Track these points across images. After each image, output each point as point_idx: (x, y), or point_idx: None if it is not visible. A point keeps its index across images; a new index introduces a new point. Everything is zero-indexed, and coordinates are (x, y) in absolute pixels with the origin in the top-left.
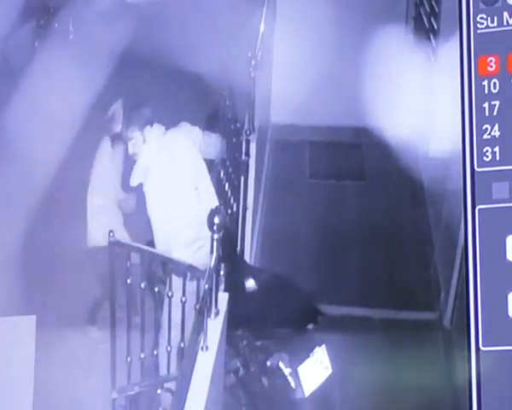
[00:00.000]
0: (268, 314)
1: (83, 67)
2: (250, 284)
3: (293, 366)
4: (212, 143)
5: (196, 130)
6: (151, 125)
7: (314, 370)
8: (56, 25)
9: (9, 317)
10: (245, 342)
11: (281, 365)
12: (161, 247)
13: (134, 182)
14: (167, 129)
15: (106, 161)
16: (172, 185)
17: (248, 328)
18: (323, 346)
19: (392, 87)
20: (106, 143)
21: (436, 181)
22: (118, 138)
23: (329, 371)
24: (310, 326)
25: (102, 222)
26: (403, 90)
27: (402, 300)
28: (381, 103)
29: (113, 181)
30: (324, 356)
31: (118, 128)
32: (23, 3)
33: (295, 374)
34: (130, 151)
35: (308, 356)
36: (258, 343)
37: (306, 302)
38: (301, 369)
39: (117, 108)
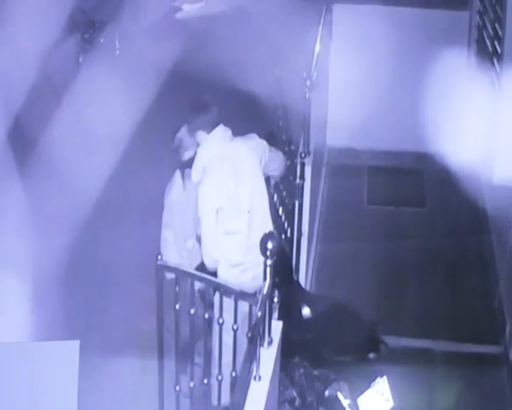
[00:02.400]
0: (327, 342)
1: (129, 83)
2: (306, 310)
3: (353, 396)
4: (278, 160)
5: (264, 143)
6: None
7: (374, 402)
8: (102, 40)
9: (52, 341)
10: (301, 371)
11: (339, 395)
12: (208, 258)
13: (194, 178)
14: (234, 135)
15: (176, 193)
16: (228, 199)
17: (305, 356)
18: (385, 377)
19: (454, 112)
20: (176, 174)
21: (501, 209)
22: (189, 167)
23: (391, 403)
24: (371, 356)
25: (173, 253)
26: (465, 115)
27: (464, 332)
28: (442, 128)
29: (185, 214)
30: (386, 388)
31: (187, 156)
32: (67, 17)
33: (355, 405)
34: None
35: (369, 387)
36: (316, 372)
37: (368, 330)
38: (361, 400)
39: (183, 134)
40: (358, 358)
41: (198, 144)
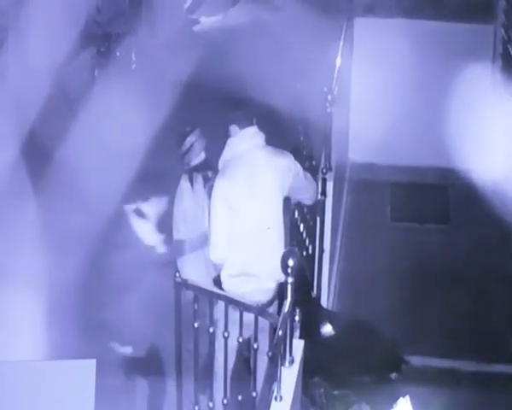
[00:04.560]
0: (347, 361)
1: (145, 97)
2: (327, 329)
3: None
4: (311, 189)
5: (298, 167)
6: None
7: None
8: (118, 53)
9: (68, 360)
10: (322, 391)
11: None
12: (214, 254)
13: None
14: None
15: (187, 201)
16: (237, 202)
17: (325, 376)
18: (407, 397)
19: (479, 126)
20: (184, 181)
21: None
22: (197, 171)
23: None
24: (393, 375)
25: (189, 259)
26: (490, 130)
27: (491, 352)
28: (467, 143)
29: (196, 218)
30: (409, 408)
31: (197, 161)
32: (83, 30)
33: None
34: None
35: (391, 407)
36: (336, 392)
37: (389, 349)
38: None
39: (195, 137)
40: (379, 378)
41: (229, 136)
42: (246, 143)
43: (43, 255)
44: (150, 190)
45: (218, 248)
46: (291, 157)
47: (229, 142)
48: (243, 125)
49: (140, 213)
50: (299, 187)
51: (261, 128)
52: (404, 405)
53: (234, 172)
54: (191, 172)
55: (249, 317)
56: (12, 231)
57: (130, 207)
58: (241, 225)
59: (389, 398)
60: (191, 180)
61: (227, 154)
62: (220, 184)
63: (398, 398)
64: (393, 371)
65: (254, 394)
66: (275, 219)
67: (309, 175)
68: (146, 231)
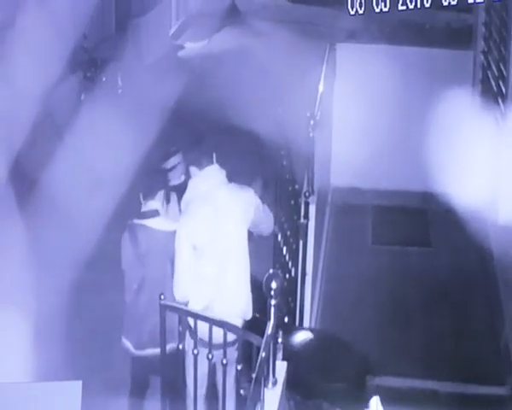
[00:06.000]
0: (320, 370)
1: (131, 121)
2: (297, 339)
3: None
4: (268, 221)
5: (258, 202)
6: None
7: None
8: (104, 78)
9: (54, 382)
10: (291, 403)
11: None
12: (178, 293)
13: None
14: (232, 177)
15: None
16: (202, 241)
17: (297, 387)
18: (377, 397)
19: (459, 151)
20: (158, 198)
21: (506, 249)
22: (174, 191)
23: None
24: (367, 378)
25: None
26: (470, 155)
27: (470, 373)
28: (447, 168)
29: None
30: (379, 407)
31: (176, 182)
32: (69, 55)
33: None
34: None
35: (365, 409)
36: (310, 402)
37: (360, 355)
38: None
39: (178, 160)
40: (353, 383)
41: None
42: (207, 182)
43: (30, 278)
44: (154, 188)
45: (180, 287)
46: (252, 191)
47: (191, 182)
48: (202, 165)
49: (153, 213)
50: (258, 219)
51: (222, 163)
52: (375, 404)
53: (197, 212)
54: (168, 191)
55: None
56: None
57: (140, 216)
58: (205, 264)
59: (362, 402)
60: (167, 198)
61: (189, 194)
62: (184, 225)
63: (370, 399)
64: (366, 374)
65: None
66: (241, 256)
67: (266, 207)
68: (166, 223)
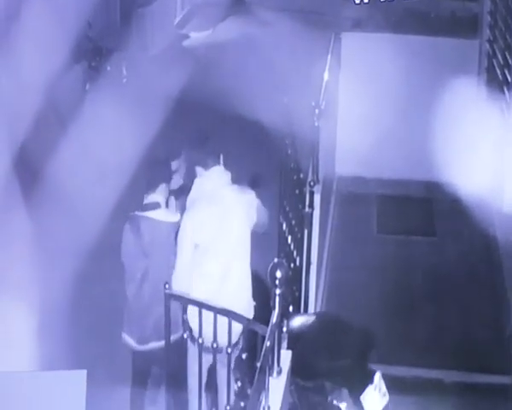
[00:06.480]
0: (321, 350)
1: (136, 111)
2: (296, 323)
3: (354, 398)
4: (264, 220)
5: (258, 203)
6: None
7: (375, 398)
8: (109, 68)
9: (59, 371)
10: (292, 388)
11: (334, 401)
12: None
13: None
14: (238, 173)
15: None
16: (206, 239)
17: (297, 370)
18: (379, 372)
19: (464, 140)
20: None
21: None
22: (172, 194)
23: (387, 398)
24: (370, 353)
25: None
26: (475, 144)
27: (476, 362)
28: (452, 157)
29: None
30: (381, 383)
31: (175, 185)
32: (74, 45)
33: (354, 406)
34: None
35: (368, 386)
36: (311, 384)
37: (362, 331)
38: (363, 398)
39: (179, 164)
40: (356, 359)
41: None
42: (212, 182)
43: (34, 268)
44: (156, 181)
45: (179, 282)
46: (253, 193)
47: (196, 181)
48: (209, 165)
49: (155, 206)
50: (258, 219)
51: (228, 165)
52: (378, 380)
53: (202, 211)
54: (169, 194)
55: None
56: (4, 245)
57: (142, 208)
58: (209, 262)
59: (365, 379)
60: (166, 201)
61: (194, 193)
62: (188, 223)
63: (373, 374)
64: (369, 349)
65: (242, 404)
66: (244, 256)
67: (262, 207)
68: (168, 214)
